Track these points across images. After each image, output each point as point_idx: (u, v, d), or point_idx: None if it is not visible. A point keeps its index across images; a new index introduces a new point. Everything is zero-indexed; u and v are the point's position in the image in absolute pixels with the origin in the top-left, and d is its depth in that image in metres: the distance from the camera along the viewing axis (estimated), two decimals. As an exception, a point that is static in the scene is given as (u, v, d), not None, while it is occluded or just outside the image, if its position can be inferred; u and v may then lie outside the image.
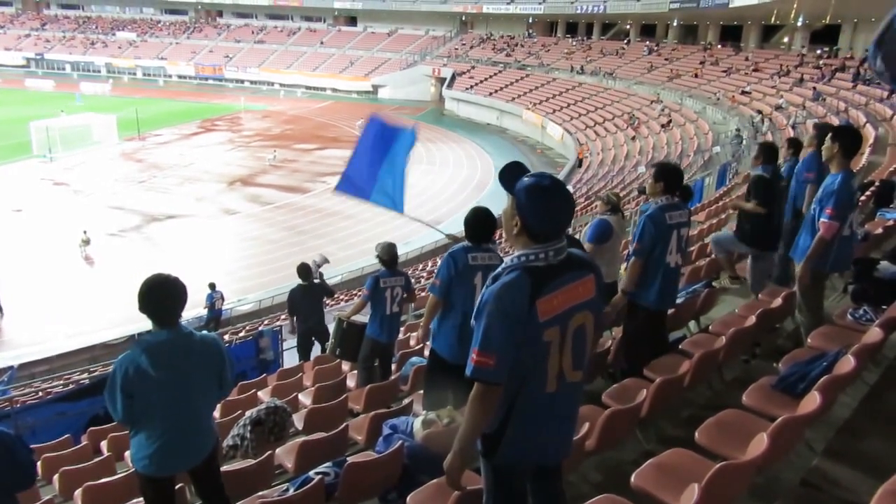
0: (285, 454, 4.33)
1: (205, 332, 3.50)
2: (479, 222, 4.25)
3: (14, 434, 2.81)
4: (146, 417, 3.15)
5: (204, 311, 15.21)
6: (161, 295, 3.15)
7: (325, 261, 9.08)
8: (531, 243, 2.28)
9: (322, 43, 66.40)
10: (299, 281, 8.70)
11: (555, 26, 58.90)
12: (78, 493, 4.58)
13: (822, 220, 4.41)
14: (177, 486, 3.55)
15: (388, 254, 5.98)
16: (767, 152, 6.03)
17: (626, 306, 4.70)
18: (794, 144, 6.81)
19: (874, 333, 4.05)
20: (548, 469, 2.61)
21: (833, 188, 4.40)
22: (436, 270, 4.34)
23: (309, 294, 8.70)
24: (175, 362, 3.12)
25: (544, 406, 2.35)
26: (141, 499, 4.09)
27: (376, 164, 5.86)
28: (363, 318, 6.30)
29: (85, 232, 22.06)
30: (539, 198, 2.25)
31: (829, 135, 4.57)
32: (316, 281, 8.88)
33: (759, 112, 27.68)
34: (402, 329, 7.76)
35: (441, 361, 4.32)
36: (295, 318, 8.75)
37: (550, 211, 2.27)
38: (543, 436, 2.42)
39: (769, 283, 6.16)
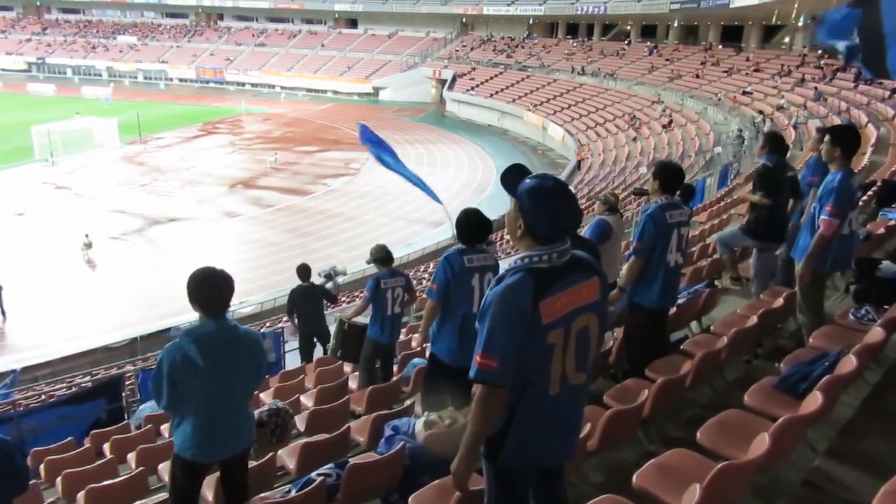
0: (287, 455, 4.33)
1: (247, 326, 3.62)
2: (471, 224, 4.24)
3: (11, 441, 2.82)
4: (190, 405, 3.27)
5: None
6: (211, 286, 3.25)
7: (341, 272, 9.00)
8: (535, 245, 2.28)
9: (323, 45, 66.47)
10: (299, 282, 8.69)
11: (555, 27, 58.90)
12: (81, 495, 4.59)
13: (821, 217, 4.41)
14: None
15: (381, 252, 5.98)
16: (773, 142, 5.98)
17: (627, 306, 4.70)
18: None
19: (876, 333, 4.04)
20: (550, 471, 2.60)
21: (833, 186, 4.40)
22: (433, 274, 4.33)
23: (309, 295, 8.67)
24: (222, 353, 3.24)
25: (548, 408, 2.35)
26: (141, 500, 4.11)
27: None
28: (364, 319, 6.31)
29: (87, 235, 22.10)
30: (541, 200, 2.25)
31: (828, 136, 4.57)
32: (329, 285, 8.80)
33: (761, 112, 27.64)
34: (403, 330, 7.76)
35: (441, 365, 4.32)
36: (296, 319, 8.72)
37: (553, 213, 2.27)
38: (546, 438, 2.41)
39: (772, 282, 6.15)
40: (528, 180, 2.29)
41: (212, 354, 3.20)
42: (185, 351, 3.16)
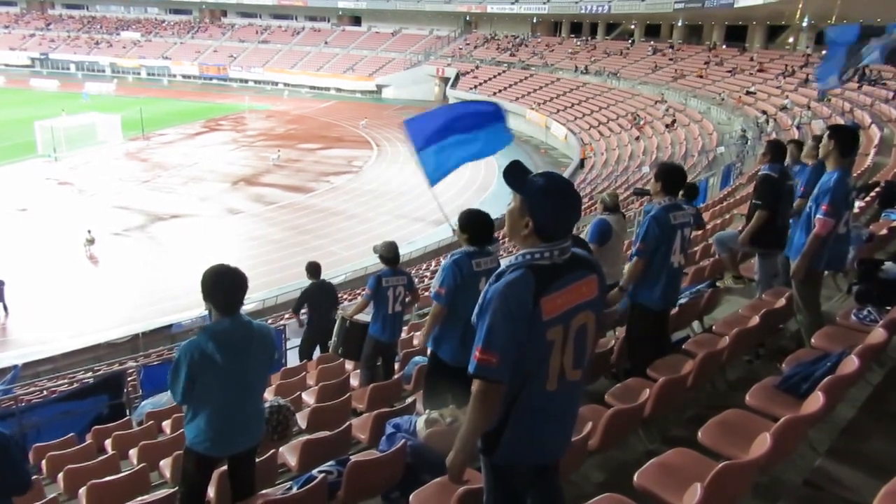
0: (288, 453, 4.34)
1: (260, 320, 3.63)
2: (478, 225, 4.21)
3: (10, 435, 2.81)
4: (207, 400, 3.30)
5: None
6: (226, 284, 3.29)
7: None
8: (539, 242, 2.27)
9: (326, 43, 66.45)
10: (306, 280, 8.65)
11: (559, 26, 58.82)
12: (82, 491, 4.60)
13: (817, 216, 4.42)
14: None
15: (389, 251, 5.97)
16: (775, 151, 5.95)
17: (629, 306, 4.69)
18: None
19: (878, 334, 4.04)
20: (547, 467, 2.61)
21: (829, 185, 4.41)
22: (439, 278, 4.23)
23: (322, 291, 8.63)
24: (239, 349, 3.28)
25: (545, 405, 2.35)
26: (143, 497, 4.12)
27: (448, 132, 5.51)
28: (366, 317, 6.30)
29: (89, 231, 22.13)
30: (555, 198, 2.26)
31: (827, 133, 4.58)
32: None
33: (764, 112, 27.63)
34: (405, 328, 7.75)
35: (442, 363, 4.31)
36: (305, 315, 8.67)
37: (565, 211, 2.28)
38: (543, 434, 2.41)
39: (775, 282, 6.14)
40: (539, 179, 2.27)
41: (230, 351, 3.23)
42: (204, 348, 3.19)
